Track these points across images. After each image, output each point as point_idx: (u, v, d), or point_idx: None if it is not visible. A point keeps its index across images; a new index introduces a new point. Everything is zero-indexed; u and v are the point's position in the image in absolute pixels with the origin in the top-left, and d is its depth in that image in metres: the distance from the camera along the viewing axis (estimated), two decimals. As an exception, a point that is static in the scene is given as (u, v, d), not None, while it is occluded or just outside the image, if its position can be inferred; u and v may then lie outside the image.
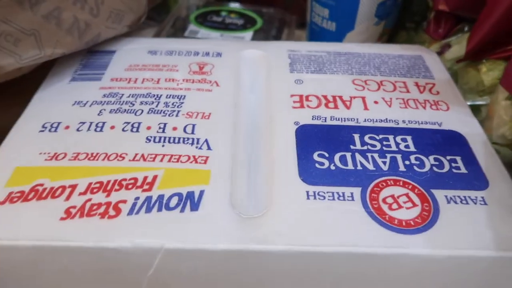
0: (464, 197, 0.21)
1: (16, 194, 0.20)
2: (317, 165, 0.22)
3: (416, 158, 0.23)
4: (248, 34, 0.40)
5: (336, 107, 0.26)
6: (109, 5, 0.30)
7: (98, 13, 0.29)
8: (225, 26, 0.41)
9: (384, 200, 0.21)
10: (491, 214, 0.20)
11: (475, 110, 0.31)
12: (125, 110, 0.25)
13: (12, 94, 0.27)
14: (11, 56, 0.25)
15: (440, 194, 0.21)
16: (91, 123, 0.24)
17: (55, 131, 0.24)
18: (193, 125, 0.25)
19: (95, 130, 0.24)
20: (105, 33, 0.30)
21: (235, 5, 0.45)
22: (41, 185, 0.21)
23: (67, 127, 0.24)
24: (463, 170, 0.23)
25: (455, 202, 0.21)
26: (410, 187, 0.22)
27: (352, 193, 0.21)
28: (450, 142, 0.24)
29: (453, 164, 0.23)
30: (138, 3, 0.33)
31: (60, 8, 0.27)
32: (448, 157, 0.23)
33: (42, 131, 0.24)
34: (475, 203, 0.21)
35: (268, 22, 0.43)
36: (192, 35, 0.40)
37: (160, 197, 0.20)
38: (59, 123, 0.24)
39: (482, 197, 0.21)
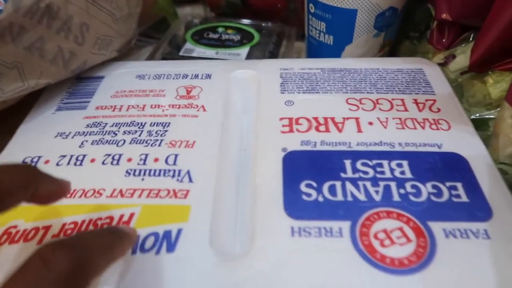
0: (465, 230, 0.19)
1: (-11, 238, 0.20)
2: (304, 196, 0.21)
3: (412, 186, 0.21)
4: (244, 50, 0.39)
5: (327, 130, 0.25)
6: (95, 32, 0.29)
7: (84, 41, 0.28)
8: (221, 43, 0.40)
9: (375, 236, 0.19)
10: (495, 249, 0.19)
11: (482, 124, 0.29)
12: (107, 141, 0.25)
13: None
14: (-7, 90, 0.25)
15: (437, 227, 0.20)
16: (71, 156, 0.24)
17: (35, 166, 0.23)
18: (176, 155, 0.23)
19: (75, 164, 0.23)
20: (92, 60, 0.30)
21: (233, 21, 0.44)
22: (15, 227, 0.20)
23: (47, 162, 0.24)
24: (464, 198, 0.21)
25: (454, 236, 0.19)
26: (404, 220, 0.20)
27: (340, 228, 0.20)
28: (450, 167, 0.22)
29: (453, 192, 0.21)
30: (128, 26, 0.33)
31: (43, 38, 0.26)
32: (448, 184, 0.21)
33: (23, 166, 0.23)
34: (477, 237, 0.19)
35: (266, 36, 0.41)
36: (187, 54, 0.39)
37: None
38: (39, 157, 0.24)
39: (485, 230, 0.19)
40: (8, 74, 0.25)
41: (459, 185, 0.21)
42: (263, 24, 0.43)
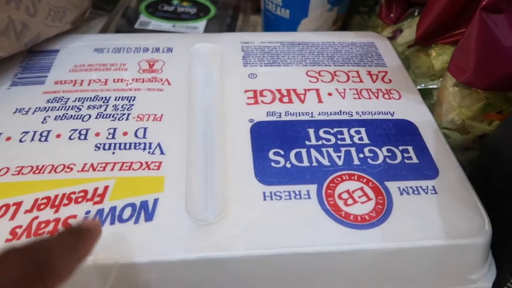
0: (416, 187, 0.22)
1: (-45, 217, 0.19)
2: (273, 163, 0.22)
3: (370, 151, 0.23)
4: (201, 23, 0.39)
5: (290, 101, 0.26)
6: (48, 2, 0.28)
7: (36, 12, 0.27)
8: (177, 16, 0.39)
9: (339, 196, 0.21)
10: (441, 203, 0.21)
11: (427, 93, 0.32)
12: (72, 116, 0.24)
13: None
14: None
15: (393, 186, 0.22)
16: (35, 132, 0.23)
17: (-4, 143, 0.23)
18: (145, 129, 0.24)
19: (40, 140, 0.23)
20: (46, 32, 0.29)
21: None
22: (-17, 205, 0.20)
23: (8, 139, 0.23)
24: (415, 160, 0.23)
25: (407, 193, 0.22)
26: (364, 180, 0.22)
27: (308, 191, 0.21)
28: (402, 132, 0.25)
29: (405, 154, 0.23)
30: (81, -3, 0.31)
31: (-8, 8, 0.25)
32: (401, 148, 0.24)
33: (-19, 144, 0.23)
34: (426, 193, 0.22)
35: (222, 9, 0.41)
36: (143, 27, 0.38)
37: (112, 209, 0.20)
38: (-1, 134, 0.23)
39: (433, 186, 0.22)
40: (-45, 47, 0.24)
41: (410, 148, 0.24)
42: (218, -3, 0.43)
